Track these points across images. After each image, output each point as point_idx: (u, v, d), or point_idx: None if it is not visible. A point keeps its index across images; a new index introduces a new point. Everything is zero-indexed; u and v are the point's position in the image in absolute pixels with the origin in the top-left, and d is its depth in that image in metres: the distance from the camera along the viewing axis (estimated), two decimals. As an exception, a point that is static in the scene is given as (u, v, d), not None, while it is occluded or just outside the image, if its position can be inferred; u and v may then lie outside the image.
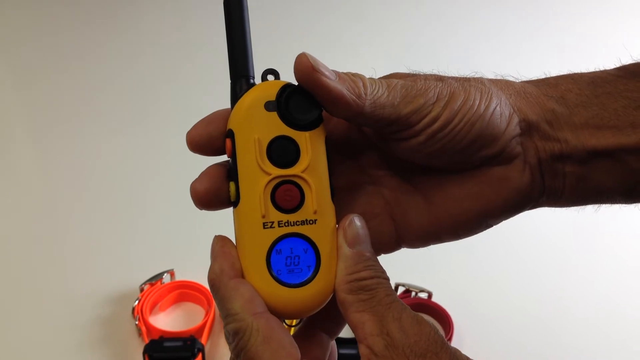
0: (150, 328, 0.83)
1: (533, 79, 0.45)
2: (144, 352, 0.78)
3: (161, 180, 1.07)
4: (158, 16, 1.46)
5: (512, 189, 0.42)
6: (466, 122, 0.40)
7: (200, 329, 0.82)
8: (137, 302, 0.85)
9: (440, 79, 0.41)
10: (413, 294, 0.86)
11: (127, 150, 1.13)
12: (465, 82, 0.41)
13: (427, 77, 0.41)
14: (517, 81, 0.44)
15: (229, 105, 0.41)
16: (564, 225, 1.00)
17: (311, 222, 0.39)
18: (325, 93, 0.38)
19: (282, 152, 0.39)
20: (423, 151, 0.40)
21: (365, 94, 0.38)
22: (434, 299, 0.85)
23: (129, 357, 0.82)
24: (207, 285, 0.86)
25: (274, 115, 0.39)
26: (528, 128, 0.42)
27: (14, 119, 1.23)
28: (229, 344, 0.38)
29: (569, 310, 0.90)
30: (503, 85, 0.42)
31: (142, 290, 0.86)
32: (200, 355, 0.79)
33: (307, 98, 0.39)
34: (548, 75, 0.44)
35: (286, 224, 0.39)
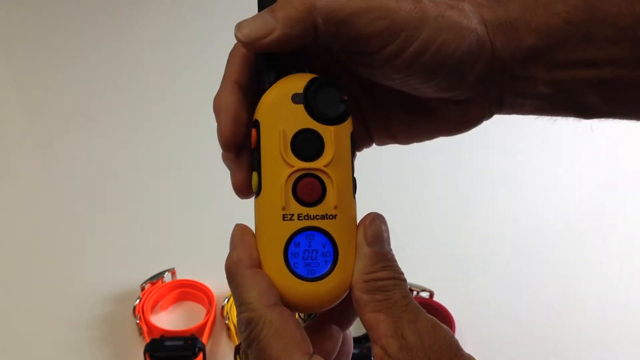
0: (151, 327, 0.83)
1: None
2: (145, 351, 0.78)
3: (163, 179, 1.07)
4: (161, 13, 1.46)
5: (472, 123, 0.44)
6: (431, 66, 0.39)
7: (201, 328, 0.82)
8: (138, 301, 0.85)
9: None
10: (414, 293, 0.86)
11: (129, 148, 1.13)
12: (443, 5, 0.39)
13: None
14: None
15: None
16: (566, 225, 1.00)
17: (331, 217, 0.39)
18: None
19: (306, 145, 0.39)
20: (385, 80, 0.40)
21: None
22: (436, 298, 0.85)
23: (129, 356, 0.82)
24: (208, 285, 0.88)
25: (301, 107, 0.39)
26: (500, 68, 0.41)
27: (16, 117, 1.23)
28: (241, 333, 0.38)
29: (571, 309, 0.90)
30: (485, 14, 0.41)
31: (143, 289, 0.86)
32: (201, 355, 0.79)
33: (334, 92, 0.39)
34: None
35: (306, 217, 0.38)
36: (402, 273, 0.39)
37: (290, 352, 0.36)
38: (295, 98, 0.39)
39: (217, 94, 0.40)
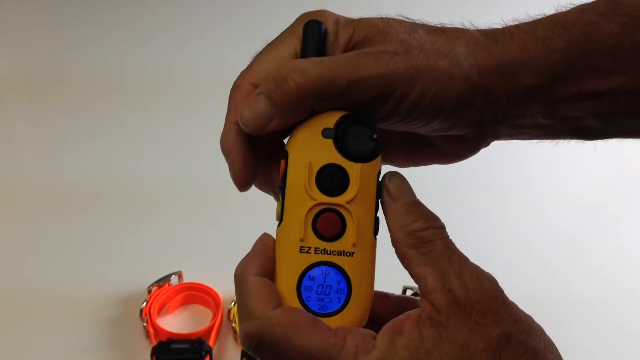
0: (158, 330, 0.83)
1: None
2: (152, 354, 0.78)
3: (170, 182, 1.07)
4: (160, 10, 1.46)
5: (470, 153, 0.45)
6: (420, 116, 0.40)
7: (208, 331, 0.82)
8: (144, 303, 0.85)
9: (406, 48, 0.40)
10: (409, 292, 0.85)
11: (137, 149, 1.13)
12: (434, 55, 0.40)
13: (388, 46, 0.39)
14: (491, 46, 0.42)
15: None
16: (563, 222, 1.00)
17: (348, 254, 0.39)
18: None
19: (331, 180, 0.39)
20: (383, 125, 0.41)
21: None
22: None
23: (136, 359, 0.82)
24: (215, 288, 0.87)
25: (330, 142, 0.39)
26: (495, 109, 0.42)
27: (20, 117, 1.23)
28: (246, 345, 0.37)
29: (569, 305, 0.89)
30: (480, 57, 0.41)
31: (149, 292, 0.86)
32: (207, 358, 0.79)
33: (364, 129, 0.39)
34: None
35: (323, 252, 0.38)
36: (437, 219, 0.39)
37: (314, 339, 0.36)
38: (325, 133, 0.39)
39: (223, 135, 0.41)
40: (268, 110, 0.38)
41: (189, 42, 1.37)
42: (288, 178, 0.39)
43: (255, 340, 0.36)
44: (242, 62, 0.42)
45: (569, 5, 0.43)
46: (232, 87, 0.41)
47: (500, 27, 0.43)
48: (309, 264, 0.38)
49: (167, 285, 0.87)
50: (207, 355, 0.79)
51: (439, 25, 0.42)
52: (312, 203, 0.38)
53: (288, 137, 0.40)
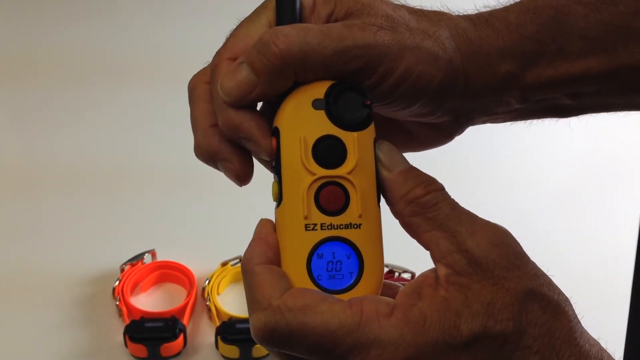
0: (131, 308, 0.82)
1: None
2: (125, 333, 0.78)
3: (143, 160, 1.06)
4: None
5: (443, 141, 0.45)
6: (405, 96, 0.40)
7: (182, 309, 0.82)
8: (117, 282, 0.84)
9: (392, 24, 0.39)
10: (397, 274, 0.86)
11: (109, 128, 1.11)
12: (419, 35, 0.39)
13: (374, 19, 0.39)
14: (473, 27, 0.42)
15: None
16: (534, 205, 1.01)
17: (356, 226, 0.37)
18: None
19: (328, 152, 0.37)
20: None
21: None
22: (417, 279, 0.85)
23: (109, 338, 0.81)
24: (189, 266, 0.87)
25: (322, 113, 0.38)
26: (473, 97, 0.42)
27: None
28: (260, 338, 0.35)
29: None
30: (461, 42, 0.41)
31: (122, 270, 0.86)
32: (181, 336, 0.79)
33: (356, 96, 0.38)
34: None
35: (329, 227, 0.37)
36: (435, 181, 0.38)
37: (331, 317, 0.34)
38: (316, 104, 0.38)
39: (199, 145, 0.40)
40: (250, 78, 0.37)
41: (168, 21, 1.35)
42: (283, 155, 0.37)
43: (267, 332, 0.35)
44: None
45: None
46: (193, 96, 0.40)
47: (474, 13, 0.43)
48: (317, 241, 0.37)
49: (140, 263, 0.87)
50: (181, 333, 0.78)
51: (419, 7, 0.42)
52: (312, 178, 0.37)
53: (277, 114, 0.38)
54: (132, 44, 1.29)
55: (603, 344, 0.37)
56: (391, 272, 0.86)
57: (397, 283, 0.40)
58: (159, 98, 1.16)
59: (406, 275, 0.85)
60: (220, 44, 0.41)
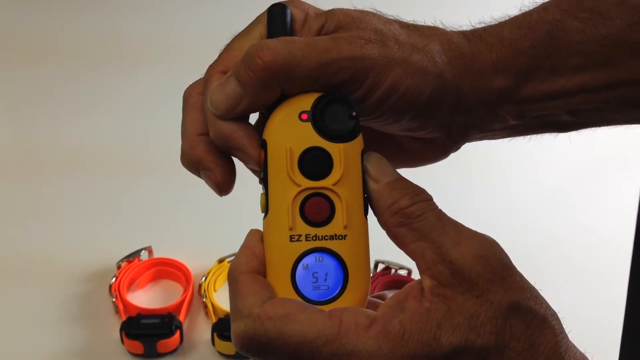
0: (127, 305, 0.82)
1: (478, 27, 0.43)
2: (121, 329, 0.78)
3: (140, 156, 1.06)
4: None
5: (438, 157, 0.45)
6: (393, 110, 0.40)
7: (178, 306, 0.82)
8: (114, 279, 0.84)
9: (380, 38, 0.39)
10: (393, 271, 0.86)
11: (106, 125, 1.11)
12: (409, 49, 0.39)
13: (362, 32, 0.39)
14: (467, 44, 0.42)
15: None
16: (529, 204, 1.01)
17: (341, 237, 0.37)
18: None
19: (314, 163, 0.37)
20: None
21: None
22: (414, 276, 0.85)
23: (106, 334, 0.81)
24: (185, 263, 0.87)
25: (308, 125, 0.38)
26: (465, 112, 0.41)
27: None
28: (240, 347, 0.35)
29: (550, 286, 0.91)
30: (453, 56, 0.41)
31: (119, 267, 0.86)
32: (178, 333, 0.79)
33: (343, 108, 0.38)
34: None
35: (314, 238, 0.37)
36: (423, 191, 0.37)
37: (311, 326, 0.34)
38: (303, 116, 0.38)
39: (184, 152, 0.41)
40: (237, 91, 0.38)
41: (180, 5, 1.34)
42: (269, 167, 0.38)
43: (247, 340, 0.35)
44: (225, 29, 0.42)
45: (532, 5, 0.43)
46: (186, 106, 0.41)
47: (468, 28, 0.43)
48: (301, 252, 0.37)
49: (137, 260, 0.87)
50: (177, 330, 0.78)
51: (412, 22, 0.42)
52: (297, 189, 0.37)
53: (265, 127, 0.39)
54: (135, 29, 1.29)
55: (590, 358, 0.36)
56: (387, 268, 0.86)
57: (377, 300, 0.40)
58: (164, 89, 1.16)
59: (402, 272, 0.86)
60: (236, 28, 0.41)
